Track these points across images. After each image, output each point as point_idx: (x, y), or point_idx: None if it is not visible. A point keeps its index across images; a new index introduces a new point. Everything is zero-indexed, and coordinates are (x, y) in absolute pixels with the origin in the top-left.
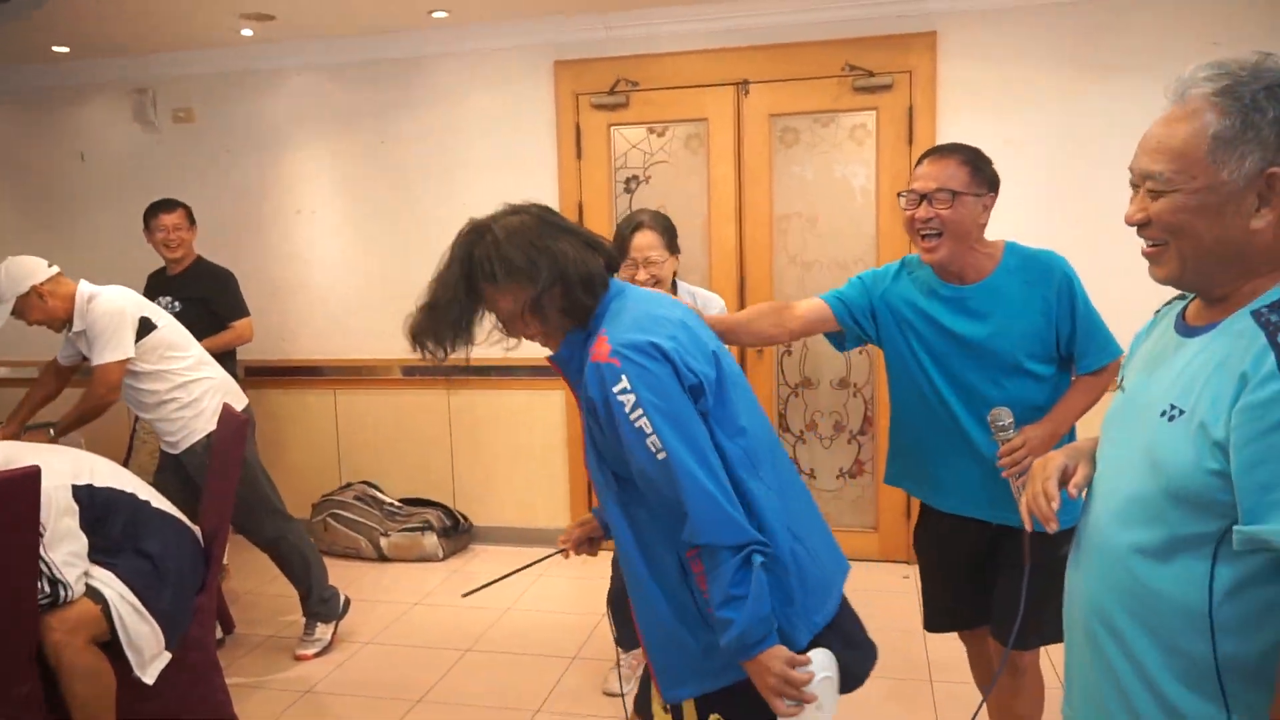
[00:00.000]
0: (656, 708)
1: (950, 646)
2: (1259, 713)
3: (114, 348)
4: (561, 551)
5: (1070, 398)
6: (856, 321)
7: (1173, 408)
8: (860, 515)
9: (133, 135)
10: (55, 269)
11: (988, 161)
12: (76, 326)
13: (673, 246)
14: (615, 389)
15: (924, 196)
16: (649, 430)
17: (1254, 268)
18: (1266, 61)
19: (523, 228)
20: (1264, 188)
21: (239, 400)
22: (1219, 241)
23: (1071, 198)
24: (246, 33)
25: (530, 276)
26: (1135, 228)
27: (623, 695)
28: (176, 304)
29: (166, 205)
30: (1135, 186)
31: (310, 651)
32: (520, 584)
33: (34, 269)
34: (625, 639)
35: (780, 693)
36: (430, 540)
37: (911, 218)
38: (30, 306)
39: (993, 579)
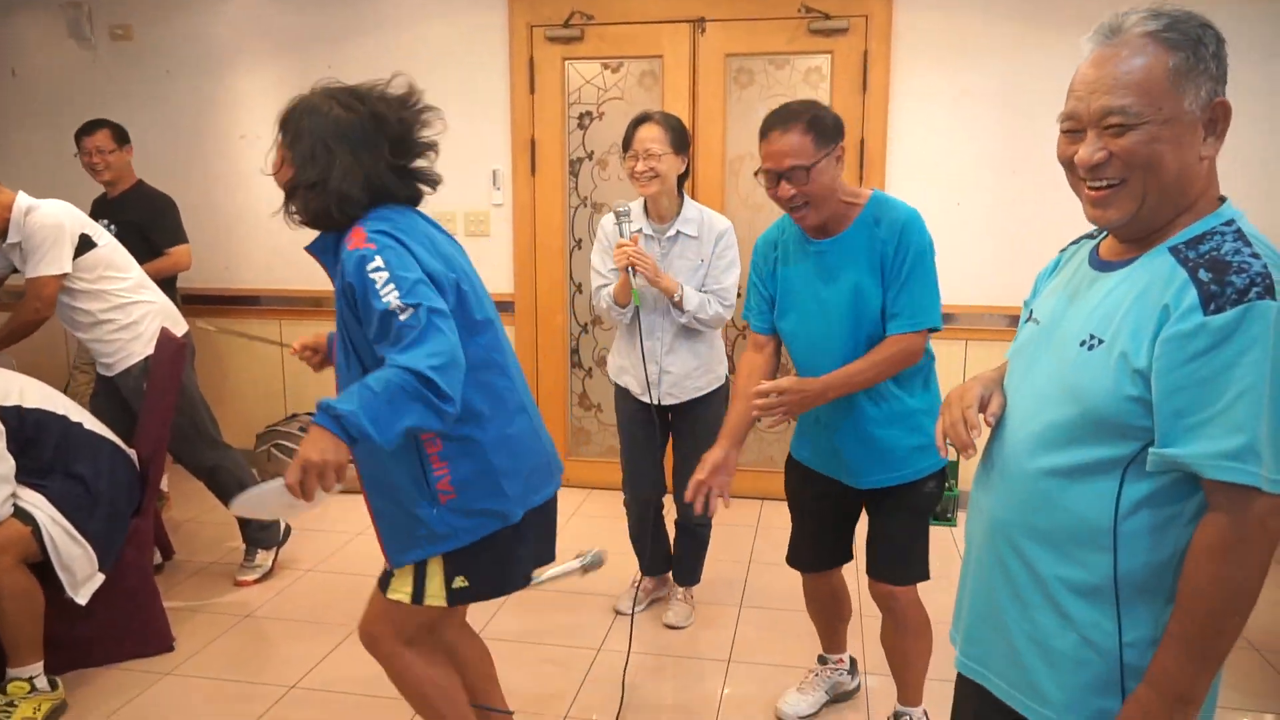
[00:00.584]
0: (397, 580)
1: None
2: (1146, 621)
3: (50, 261)
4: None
5: (859, 364)
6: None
7: (1092, 337)
8: None
9: (67, 52)
10: None
11: (825, 112)
12: (11, 237)
13: (678, 145)
14: (370, 267)
15: (781, 175)
16: (396, 301)
17: (1189, 203)
18: (1178, 6)
19: (336, 123)
20: (1210, 118)
21: (179, 326)
22: (1179, 173)
23: (1024, 149)
24: None
25: (298, 162)
26: (1085, 170)
27: (631, 615)
28: (112, 227)
29: (89, 126)
30: (1075, 131)
31: (250, 577)
32: None
33: None
34: (651, 566)
35: (302, 464)
36: None
37: (777, 196)
38: None
39: (854, 525)
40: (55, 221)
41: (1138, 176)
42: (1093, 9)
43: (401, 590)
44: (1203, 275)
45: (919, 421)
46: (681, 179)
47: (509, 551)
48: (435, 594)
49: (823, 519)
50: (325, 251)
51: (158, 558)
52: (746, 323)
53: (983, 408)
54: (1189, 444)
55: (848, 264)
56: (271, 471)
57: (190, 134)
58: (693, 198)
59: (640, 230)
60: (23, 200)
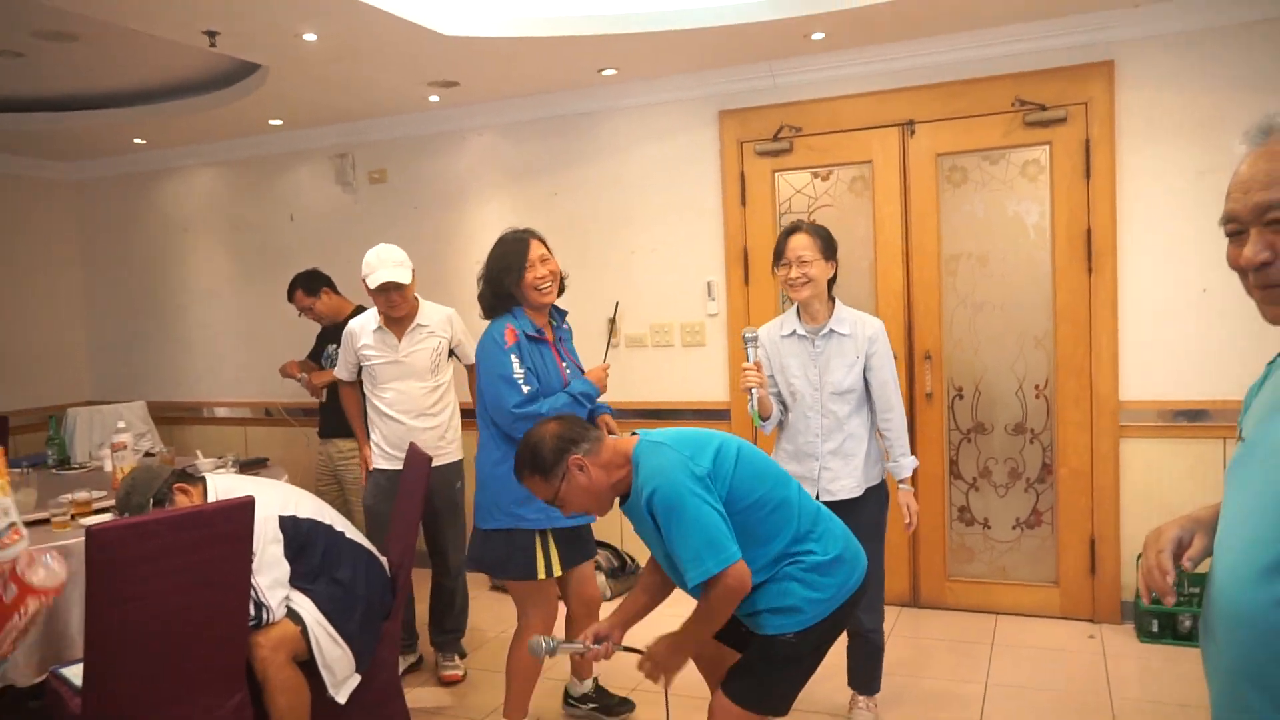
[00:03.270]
0: None
1: (1138, 712)
2: None
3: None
4: None
5: (688, 625)
6: None
7: None
8: (1039, 568)
9: (334, 195)
10: None
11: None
12: (423, 320)
13: (827, 252)
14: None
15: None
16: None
17: None
18: None
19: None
20: None
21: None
22: None
23: None
24: (433, 99)
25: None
26: (1252, 271)
27: None
28: (339, 351)
29: (290, 289)
30: (1238, 233)
31: (459, 672)
32: None
33: None
34: None
35: None
36: (598, 579)
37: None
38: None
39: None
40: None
41: None
42: None
43: None
44: None
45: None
46: (831, 283)
47: None
48: None
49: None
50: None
51: (414, 658)
52: (972, 426)
53: (1181, 551)
54: None
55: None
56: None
57: (435, 261)
58: (908, 298)
59: (793, 332)
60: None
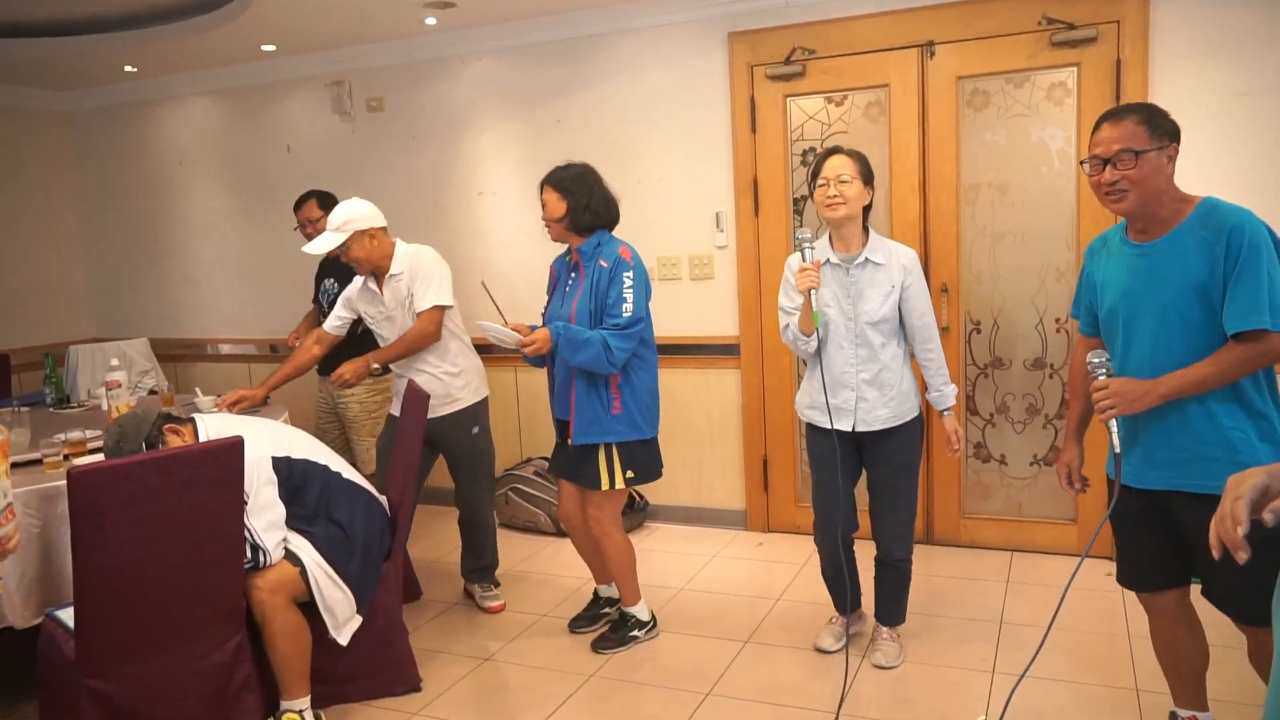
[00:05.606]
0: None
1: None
2: None
3: (440, 293)
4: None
5: (1200, 366)
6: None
7: None
8: (1056, 506)
9: (331, 125)
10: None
11: (1163, 112)
12: (395, 269)
13: (865, 176)
14: (624, 270)
15: (1107, 160)
16: (628, 296)
17: None
18: None
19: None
20: None
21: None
22: None
23: None
24: (430, 21)
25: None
26: None
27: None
28: (336, 285)
29: (300, 199)
30: None
31: (500, 602)
32: (696, 564)
33: (376, 213)
34: (841, 604)
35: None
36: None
37: (1099, 182)
38: (359, 244)
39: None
40: (441, 261)
41: None
42: None
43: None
44: None
45: (1272, 429)
46: (866, 212)
47: None
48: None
49: (1155, 534)
50: (586, 250)
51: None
52: (990, 360)
53: (1268, 499)
54: None
55: (1174, 267)
56: (509, 514)
57: (434, 192)
58: (924, 229)
59: (827, 261)
60: (402, 244)
